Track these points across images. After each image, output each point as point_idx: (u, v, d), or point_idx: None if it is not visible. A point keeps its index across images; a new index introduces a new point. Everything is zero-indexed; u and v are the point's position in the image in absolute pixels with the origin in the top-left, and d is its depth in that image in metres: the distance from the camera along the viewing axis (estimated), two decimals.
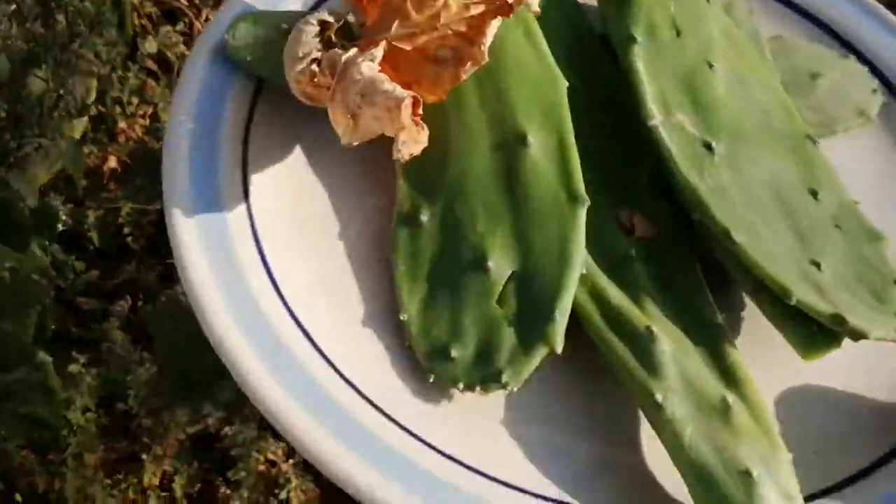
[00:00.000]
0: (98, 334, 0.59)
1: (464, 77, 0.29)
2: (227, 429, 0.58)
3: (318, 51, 0.29)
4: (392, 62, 0.29)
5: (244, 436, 0.57)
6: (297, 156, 0.33)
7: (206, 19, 0.79)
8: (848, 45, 0.42)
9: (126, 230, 0.65)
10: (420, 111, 0.27)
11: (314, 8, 0.37)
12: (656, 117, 0.32)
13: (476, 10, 0.28)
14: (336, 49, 0.29)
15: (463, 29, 0.29)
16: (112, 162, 0.71)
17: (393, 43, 0.29)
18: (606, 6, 0.36)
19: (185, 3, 0.79)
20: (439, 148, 0.31)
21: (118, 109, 0.71)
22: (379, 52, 0.28)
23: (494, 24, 0.28)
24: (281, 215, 0.31)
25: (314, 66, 0.29)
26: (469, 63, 0.28)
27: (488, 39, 0.28)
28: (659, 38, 0.34)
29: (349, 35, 0.32)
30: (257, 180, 0.32)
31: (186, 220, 0.29)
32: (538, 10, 0.29)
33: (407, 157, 0.27)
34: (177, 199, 0.30)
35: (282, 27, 0.33)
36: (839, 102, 0.39)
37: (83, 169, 0.67)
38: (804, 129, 0.35)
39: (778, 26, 0.42)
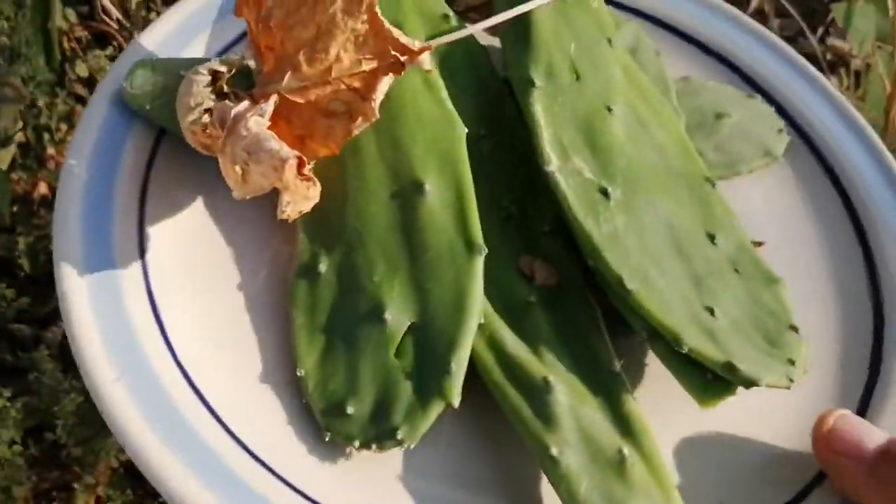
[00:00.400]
0: (27, 363, 0.59)
1: (356, 132, 0.29)
2: None
3: (211, 101, 0.29)
4: (286, 114, 0.29)
5: None
6: (198, 207, 0.33)
7: None
8: (754, 85, 0.43)
9: None
10: (306, 170, 0.26)
11: (220, 54, 0.37)
12: (553, 162, 0.32)
13: (368, 65, 0.28)
14: (227, 101, 0.28)
15: (356, 84, 0.29)
16: (42, 188, 0.70)
17: (285, 95, 0.29)
18: (507, 48, 0.36)
19: (116, 27, 0.78)
20: (337, 197, 0.31)
21: (47, 136, 0.70)
22: (269, 106, 0.28)
23: (386, 81, 0.28)
24: (179, 271, 0.31)
25: (206, 118, 0.29)
26: (360, 119, 0.28)
27: (379, 96, 0.28)
28: (558, 82, 0.34)
29: (248, 82, 0.32)
30: (154, 234, 0.31)
31: (77, 279, 0.29)
32: (431, 68, 0.29)
33: (294, 216, 0.27)
34: (67, 257, 0.29)
35: (180, 74, 0.33)
36: (744, 142, 0.40)
37: (10, 198, 0.66)
38: (703, 172, 0.35)
39: (687, 67, 0.43)
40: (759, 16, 0.84)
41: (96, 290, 0.29)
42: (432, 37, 0.37)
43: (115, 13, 0.78)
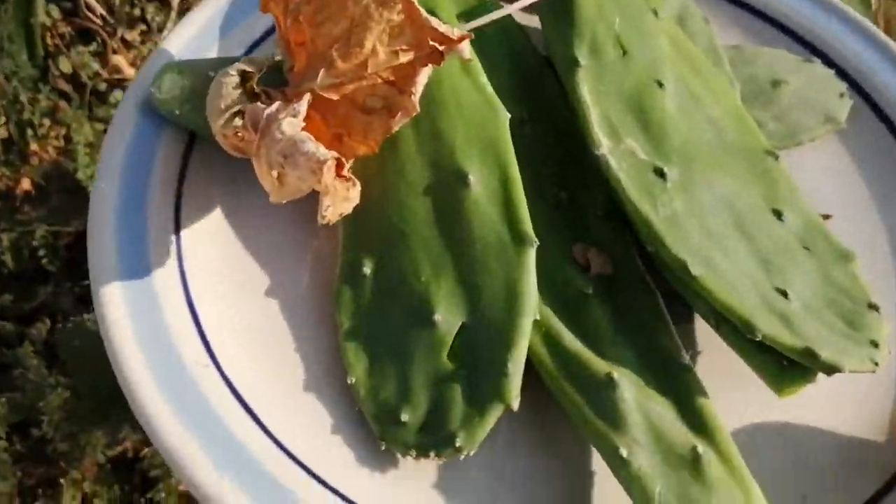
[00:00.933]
0: (11, 359, 0.59)
1: (395, 128, 0.27)
2: (146, 450, 0.57)
3: (241, 103, 0.28)
4: (321, 112, 0.28)
5: (162, 458, 0.55)
6: (234, 210, 0.32)
7: (122, 39, 0.78)
8: (811, 48, 0.40)
9: (41, 252, 0.64)
10: (345, 171, 0.25)
11: (248, 52, 0.36)
12: (604, 145, 0.30)
13: (405, 57, 0.27)
14: (259, 103, 0.27)
15: (393, 77, 0.27)
16: (25, 184, 0.70)
17: (320, 93, 0.27)
18: (548, 26, 0.34)
19: (100, 23, 0.78)
20: (377, 194, 0.30)
21: (30, 132, 0.70)
22: (302, 106, 0.26)
23: (425, 73, 0.27)
24: (218, 279, 0.30)
25: (237, 120, 0.28)
26: (400, 114, 0.27)
27: (419, 89, 0.27)
28: (604, 59, 0.32)
29: (280, 78, 0.30)
30: (191, 242, 0.30)
31: (115, 296, 0.28)
32: (470, 57, 0.28)
33: (335, 220, 0.26)
34: (104, 273, 0.28)
35: (209, 76, 0.32)
36: (804, 110, 0.38)
37: None
38: (764, 144, 0.33)
39: (737, 33, 0.41)
40: None
41: (135, 306, 0.28)
42: (466, 18, 0.35)
43: (99, 9, 0.77)
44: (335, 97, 0.28)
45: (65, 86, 0.74)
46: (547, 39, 0.34)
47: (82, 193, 0.66)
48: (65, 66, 0.74)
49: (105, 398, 0.55)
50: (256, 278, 0.30)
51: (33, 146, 0.70)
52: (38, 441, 0.56)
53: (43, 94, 0.70)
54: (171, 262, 0.29)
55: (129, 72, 0.77)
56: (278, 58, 0.31)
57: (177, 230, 0.30)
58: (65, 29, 0.77)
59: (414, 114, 0.27)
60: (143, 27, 0.80)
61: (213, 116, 0.28)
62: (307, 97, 0.27)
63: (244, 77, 0.28)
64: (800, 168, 0.35)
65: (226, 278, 0.30)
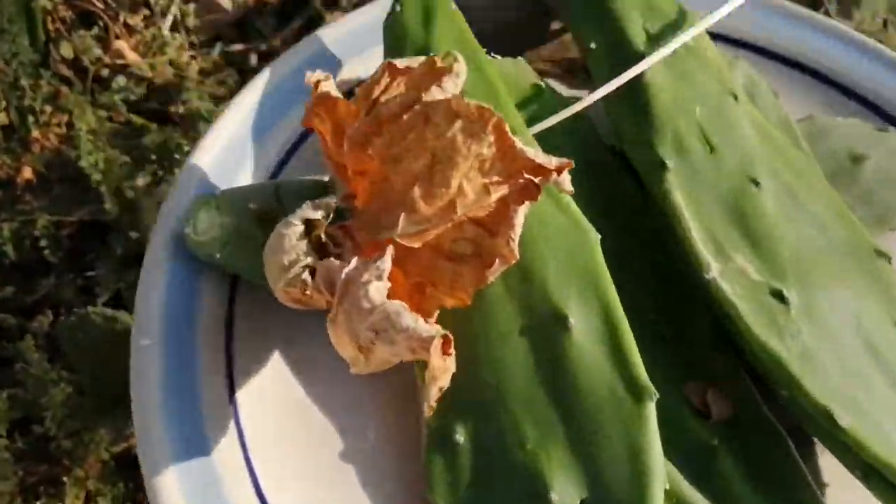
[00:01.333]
0: (13, 353, 0.56)
1: (490, 279, 0.23)
2: None
3: (308, 256, 0.24)
4: (400, 259, 0.24)
5: None
6: (293, 360, 0.28)
7: (125, 23, 0.76)
8: (884, 115, 0.37)
9: (43, 243, 0.62)
10: (451, 348, 0.21)
11: (275, 173, 0.32)
12: (713, 267, 0.27)
13: (497, 194, 0.23)
14: (331, 259, 0.23)
15: (481, 215, 0.23)
16: (27, 172, 0.67)
17: (400, 242, 0.23)
18: (620, 119, 0.31)
19: (101, 7, 0.75)
20: (464, 347, 0.25)
21: (31, 118, 0.67)
22: (386, 264, 0.22)
23: (522, 213, 0.23)
24: (279, 443, 0.26)
25: (305, 276, 0.24)
26: (497, 262, 0.23)
27: (517, 232, 0.23)
28: (691, 157, 0.29)
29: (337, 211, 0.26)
30: (250, 410, 0.26)
31: (167, 472, 0.24)
32: (571, 188, 0.24)
33: (437, 397, 0.22)
34: (157, 460, 0.24)
35: (250, 209, 0.28)
36: (890, 188, 0.34)
37: None
38: (871, 243, 0.30)
39: (802, 102, 0.38)
40: None
41: (191, 481, 0.24)
42: (529, 115, 0.32)
43: None
44: (417, 245, 0.24)
45: (66, 71, 0.72)
46: (622, 136, 0.31)
47: (85, 182, 0.63)
48: (66, 50, 0.72)
49: (109, 394, 0.53)
50: (324, 439, 0.26)
51: (35, 133, 0.67)
52: (40, 438, 0.54)
53: (44, 79, 0.67)
54: (231, 439, 0.25)
55: (132, 57, 0.75)
56: (341, 201, 0.27)
57: (231, 394, 0.26)
58: (66, 13, 0.74)
59: (513, 262, 0.23)
60: (146, 11, 0.77)
61: (273, 273, 0.24)
62: (390, 251, 0.23)
63: (308, 226, 0.24)
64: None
65: (294, 453, 0.26)
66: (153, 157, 0.64)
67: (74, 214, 0.63)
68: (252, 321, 0.28)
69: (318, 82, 0.27)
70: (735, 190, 0.29)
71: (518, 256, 0.23)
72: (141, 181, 0.63)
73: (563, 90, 0.35)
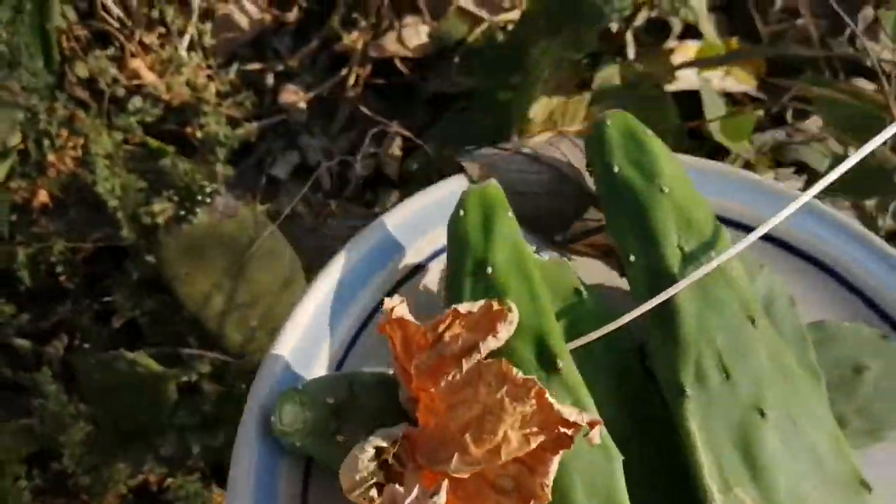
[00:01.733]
0: (29, 383, 0.56)
1: None
2: (169, 481, 0.56)
3: (376, 475, 0.29)
4: (451, 486, 0.29)
5: (187, 489, 0.55)
6: None
7: (140, 42, 0.75)
8: (892, 322, 0.41)
9: (59, 269, 0.62)
10: None
11: (341, 362, 0.37)
12: (715, 498, 0.31)
13: (535, 441, 0.28)
14: (396, 485, 0.28)
15: (523, 455, 0.28)
16: (42, 196, 0.68)
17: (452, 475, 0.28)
18: (648, 333, 0.36)
19: (117, 26, 0.75)
20: None
21: (47, 142, 0.68)
22: (442, 498, 0.27)
23: (556, 461, 0.28)
24: None
25: (373, 493, 0.29)
26: (532, 502, 0.28)
27: (550, 478, 0.28)
28: (709, 384, 0.34)
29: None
30: None
31: None
32: (599, 441, 0.29)
33: None
34: None
35: (328, 403, 0.33)
36: (887, 400, 0.38)
37: (9, 208, 0.63)
38: (857, 474, 0.34)
39: (817, 302, 0.42)
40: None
41: None
42: (569, 322, 0.37)
43: (116, 11, 0.75)
44: (466, 476, 0.29)
45: (81, 93, 0.72)
46: (647, 348, 0.35)
47: (101, 207, 0.63)
48: (81, 70, 0.72)
49: (126, 429, 0.55)
50: None
51: (50, 157, 0.68)
52: (58, 474, 0.55)
53: (60, 101, 0.67)
54: None
55: (149, 77, 0.74)
56: (404, 403, 0.32)
57: None
58: (80, 32, 0.74)
59: (546, 502, 0.28)
60: (162, 30, 0.77)
61: (347, 484, 0.29)
62: (445, 487, 0.28)
63: (378, 451, 0.29)
64: (884, 466, 0.36)
65: None
66: (170, 182, 0.62)
67: (90, 239, 0.64)
68: (324, 496, 0.33)
69: (392, 308, 0.32)
70: (743, 418, 0.33)
71: (550, 498, 0.28)
72: (157, 207, 0.62)
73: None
